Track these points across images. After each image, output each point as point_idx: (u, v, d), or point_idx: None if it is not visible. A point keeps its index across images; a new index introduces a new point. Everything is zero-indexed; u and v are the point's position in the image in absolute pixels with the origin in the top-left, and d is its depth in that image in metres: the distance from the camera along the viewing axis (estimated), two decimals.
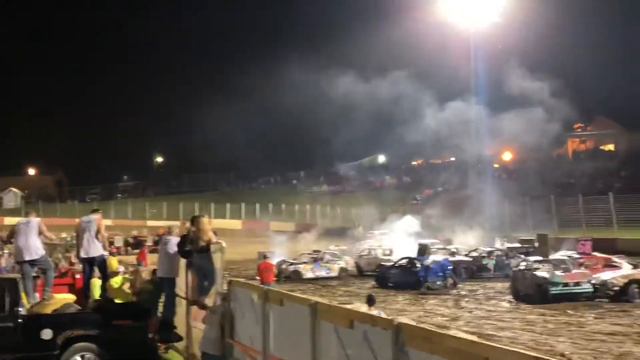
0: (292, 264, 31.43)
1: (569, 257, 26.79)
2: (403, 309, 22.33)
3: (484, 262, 31.01)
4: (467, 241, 36.73)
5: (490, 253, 31.85)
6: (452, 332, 7.78)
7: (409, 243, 32.11)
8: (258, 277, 24.43)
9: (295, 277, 30.55)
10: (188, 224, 12.82)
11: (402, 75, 50.03)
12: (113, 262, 20.83)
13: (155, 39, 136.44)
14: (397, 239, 36.01)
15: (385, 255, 32.90)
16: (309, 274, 30.95)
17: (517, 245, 33.84)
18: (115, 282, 16.09)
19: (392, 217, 42.00)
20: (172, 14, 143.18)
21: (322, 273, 31.31)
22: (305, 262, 31.60)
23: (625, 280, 22.29)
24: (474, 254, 32.14)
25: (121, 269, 18.05)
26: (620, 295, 22.07)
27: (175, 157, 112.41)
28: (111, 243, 44.16)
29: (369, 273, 31.75)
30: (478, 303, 23.37)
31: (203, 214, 13.03)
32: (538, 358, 4.42)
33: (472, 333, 16.52)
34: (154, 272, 14.97)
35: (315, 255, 32.40)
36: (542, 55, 48.84)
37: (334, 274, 31.51)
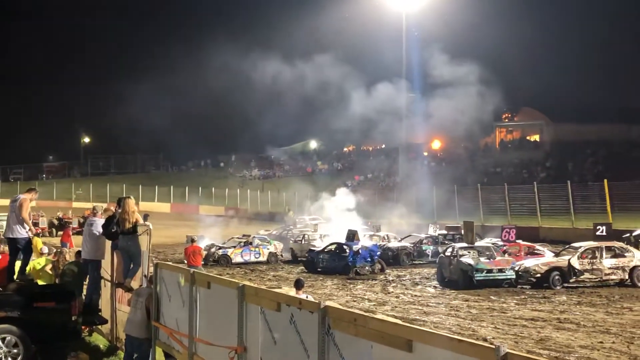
0: (220, 247, 31.23)
1: (493, 244, 27.43)
2: (331, 294, 22.45)
3: (423, 248, 31.49)
4: (398, 228, 37.15)
5: (428, 239, 32.38)
6: (380, 316, 7.86)
7: (339, 228, 32.17)
8: (185, 261, 24.19)
9: (224, 261, 30.37)
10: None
11: (331, 59, 50.04)
12: (38, 244, 20.38)
13: (83, 15, 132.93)
14: (329, 224, 36.20)
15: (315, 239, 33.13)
16: (237, 258, 30.80)
17: (444, 232, 34.43)
18: (39, 263, 15.72)
19: (322, 203, 42.00)
20: None
21: (251, 257, 31.19)
22: (234, 247, 31.37)
23: (547, 268, 22.83)
24: (410, 240, 32.58)
25: (45, 250, 17.67)
26: (542, 282, 22.60)
27: (103, 138, 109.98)
28: (35, 224, 43.17)
29: (302, 259, 31.79)
30: (405, 288, 23.64)
31: (129, 195, 12.81)
32: (458, 340, 4.49)
33: (398, 317, 16.75)
34: (78, 253, 14.67)
35: (244, 240, 32.23)
36: (471, 45, 49.63)
37: (263, 258, 31.42)
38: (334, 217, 36.58)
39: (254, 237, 32.66)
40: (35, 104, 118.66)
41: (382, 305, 20.12)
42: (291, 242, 34.55)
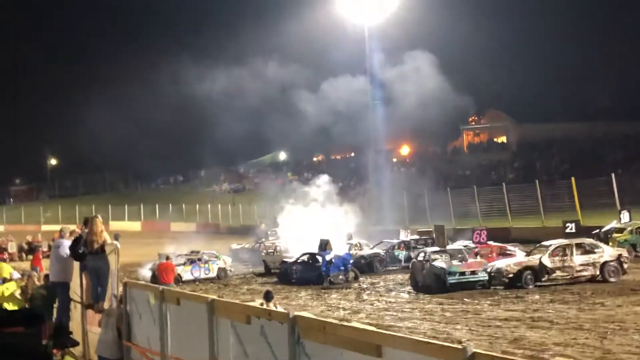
0: None
1: (465, 247, 27.57)
2: (305, 304, 22.41)
3: (395, 254, 31.55)
4: (369, 235, 37.11)
5: (400, 244, 32.45)
6: (351, 324, 7.84)
7: (311, 239, 32.02)
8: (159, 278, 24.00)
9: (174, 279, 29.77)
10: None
11: (296, 70, 50.30)
12: (5, 269, 20.08)
13: (46, 35, 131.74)
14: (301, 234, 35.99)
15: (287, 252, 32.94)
16: (187, 275, 30.11)
17: (416, 237, 34.53)
18: (7, 288, 15.49)
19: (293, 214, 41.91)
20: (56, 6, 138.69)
21: (201, 274, 30.56)
22: (183, 264, 30.53)
23: (519, 268, 22.98)
24: (382, 247, 32.63)
25: (15, 275, 17.40)
26: (515, 282, 22.74)
27: (69, 159, 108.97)
28: (4, 249, 42.58)
29: (275, 270, 31.64)
30: (379, 295, 23.67)
31: (96, 215, 12.66)
32: (426, 342, 4.49)
33: (373, 324, 16.73)
34: (46, 276, 14.48)
35: (192, 257, 31.60)
36: (434, 50, 49.97)
37: (213, 274, 30.79)
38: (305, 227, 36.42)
39: (203, 253, 32.05)
40: None
41: (357, 313, 20.13)
42: (263, 254, 34.38)
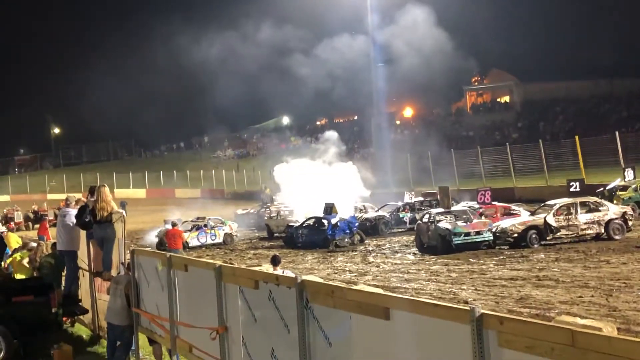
0: None
1: (469, 207, 27.61)
2: (312, 268, 22.51)
3: (400, 216, 31.65)
4: (374, 198, 37.11)
5: (405, 207, 32.53)
6: (359, 287, 7.88)
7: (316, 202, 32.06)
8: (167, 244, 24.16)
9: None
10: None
11: (297, 33, 49.94)
12: (12, 239, 20.25)
13: (48, 4, 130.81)
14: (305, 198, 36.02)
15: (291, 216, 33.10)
16: (194, 242, 30.38)
17: (421, 199, 34.58)
18: (20, 256, 15.71)
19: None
20: None
21: (207, 240, 30.81)
22: (189, 230, 30.77)
23: (524, 227, 23.02)
24: (387, 209, 32.71)
25: (34, 244, 17.56)
26: (520, 241, 22.80)
27: (73, 128, 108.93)
28: (10, 219, 42.82)
29: (279, 235, 31.83)
30: (385, 257, 23.77)
31: (103, 184, 12.68)
32: (434, 304, 4.52)
33: (380, 286, 16.82)
34: (54, 245, 14.58)
35: (198, 223, 31.82)
36: (436, 9, 49.46)
37: (219, 240, 31.03)
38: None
39: (209, 219, 32.26)
40: (0, 96, 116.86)
41: (363, 275, 20.23)
42: (266, 218, 34.56)
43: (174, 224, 25.48)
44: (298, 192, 33.99)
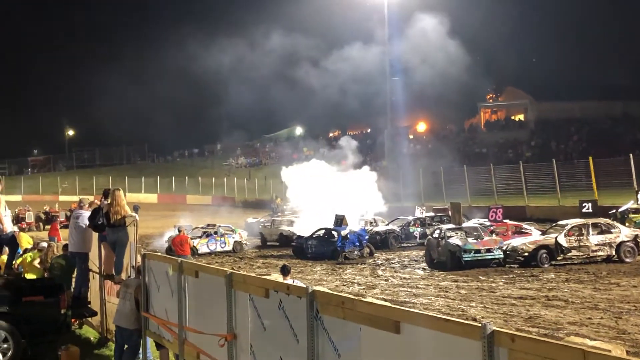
0: None
1: (480, 224, 27.56)
2: (321, 279, 22.52)
3: (411, 231, 31.63)
4: (383, 211, 37.08)
5: (416, 221, 32.52)
6: (370, 300, 7.88)
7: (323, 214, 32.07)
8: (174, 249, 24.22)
9: (190, 252, 30.15)
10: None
11: (314, 45, 50.08)
12: (24, 239, 20.33)
13: (64, 8, 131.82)
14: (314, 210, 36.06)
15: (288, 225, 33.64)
16: (204, 249, 30.52)
17: (432, 214, 34.53)
18: (31, 256, 15.79)
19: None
20: None
21: (217, 247, 30.93)
22: (199, 237, 30.98)
23: (535, 246, 22.97)
24: (398, 223, 32.71)
25: (44, 244, 17.64)
26: (530, 260, 22.74)
27: (87, 130, 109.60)
28: (22, 219, 43.01)
29: (271, 243, 32.95)
30: (394, 271, 23.74)
31: (118, 187, 12.77)
32: (445, 320, 4.52)
33: (388, 300, 16.79)
34: (65, 247, 14.64)
35: (209, 230, 31.95)
36: (454, 26, 49.57)
37: (229, 247, 31.20)
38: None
39: (219, 226, 32.36)
40: (18, 98, 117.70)
41: (372, 288, 20.20)
42: (260, 227, 34.88)
43: (180, 230, 25.54)
44: (309, 200, 34.18)
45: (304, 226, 31.19)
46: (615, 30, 79.37)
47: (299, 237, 29.81)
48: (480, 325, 4.14)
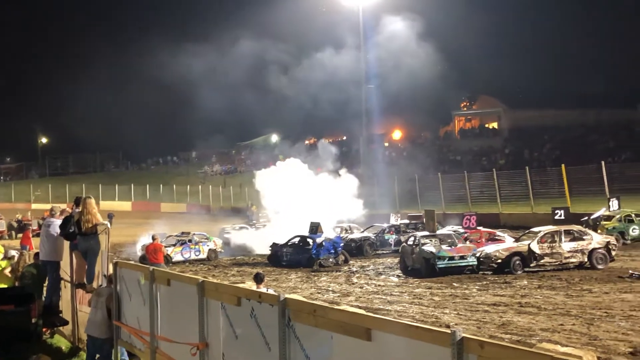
0: None
1: (454, 231, 27.68)
2: (295, 287, 22.46)
3: (385, 238, 31.68)
4: (358, 219, 37.12)
5: (390, 228, 32.57)
6: (341, 307, 7.88)
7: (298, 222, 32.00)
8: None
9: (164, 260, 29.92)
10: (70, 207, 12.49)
11: (289, 52, 50.13)
12: None
13: (36, 15, 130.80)
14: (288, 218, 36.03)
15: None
16: (177, 257, 30.24)
17: (407, 221, 34.62)
18: (2, 265, 15.59)
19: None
20: None
21: (191, 255, 30.67)
22: (173, 245, 30.70)
23: (508, 253, 23.07)
24: (373, 230, 32.76)
25: (13, 252, 17.43)
26: (503, 267, 22.84)
27: (60, 138, 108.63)
28: None
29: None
30: (368, 278, 23.74)
31: (89, 195, 12.66)
32: (416, 327, 4.53)
33: (362, 308, 16.79)
34: (36, 255, 14.48)
35: (183, 238, 31.70)
36: (428, 34, 49.87)
37: (203, 255, 30.94)
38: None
39: (194, 234, 32.13)
40: None
41: (347, 296, 20.19)
42: (224, 235, 34.86)
43: (154, 238, 25.36)
44: (284, 206, 34.07)
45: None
46: (589, 39, 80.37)
47: (274, 244, 29.72)
48: (449, 332, 4.16)
